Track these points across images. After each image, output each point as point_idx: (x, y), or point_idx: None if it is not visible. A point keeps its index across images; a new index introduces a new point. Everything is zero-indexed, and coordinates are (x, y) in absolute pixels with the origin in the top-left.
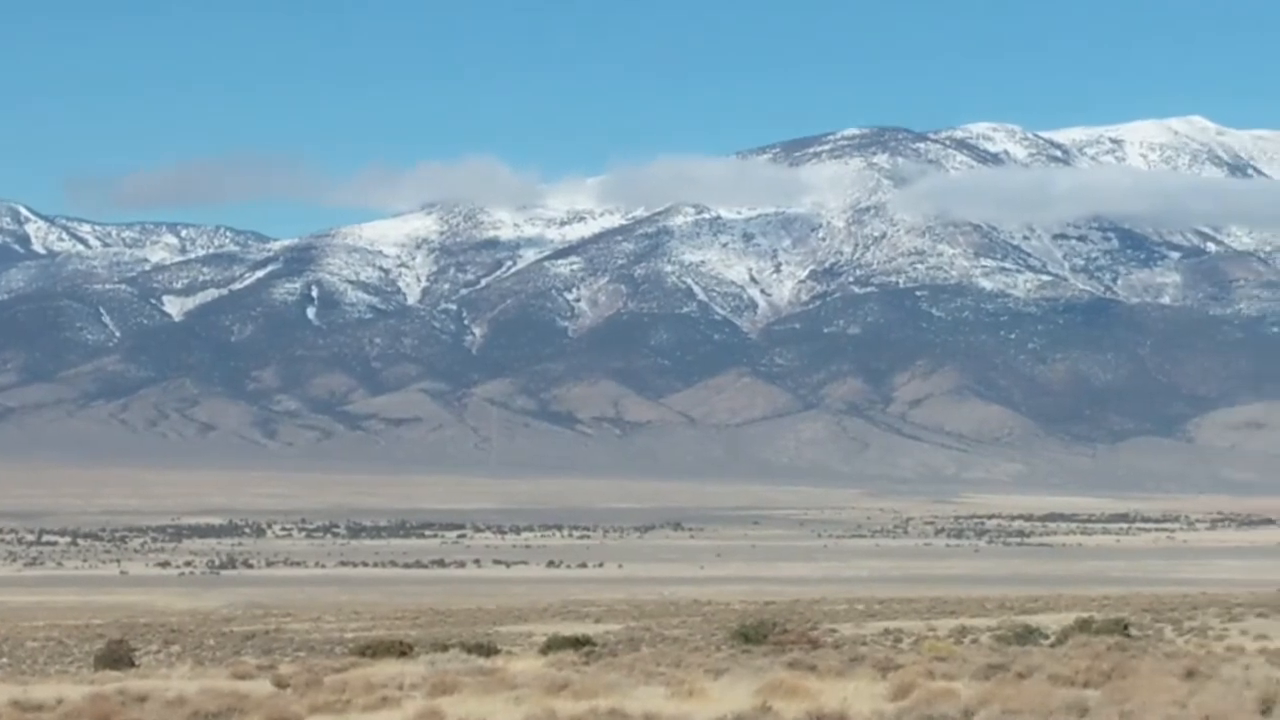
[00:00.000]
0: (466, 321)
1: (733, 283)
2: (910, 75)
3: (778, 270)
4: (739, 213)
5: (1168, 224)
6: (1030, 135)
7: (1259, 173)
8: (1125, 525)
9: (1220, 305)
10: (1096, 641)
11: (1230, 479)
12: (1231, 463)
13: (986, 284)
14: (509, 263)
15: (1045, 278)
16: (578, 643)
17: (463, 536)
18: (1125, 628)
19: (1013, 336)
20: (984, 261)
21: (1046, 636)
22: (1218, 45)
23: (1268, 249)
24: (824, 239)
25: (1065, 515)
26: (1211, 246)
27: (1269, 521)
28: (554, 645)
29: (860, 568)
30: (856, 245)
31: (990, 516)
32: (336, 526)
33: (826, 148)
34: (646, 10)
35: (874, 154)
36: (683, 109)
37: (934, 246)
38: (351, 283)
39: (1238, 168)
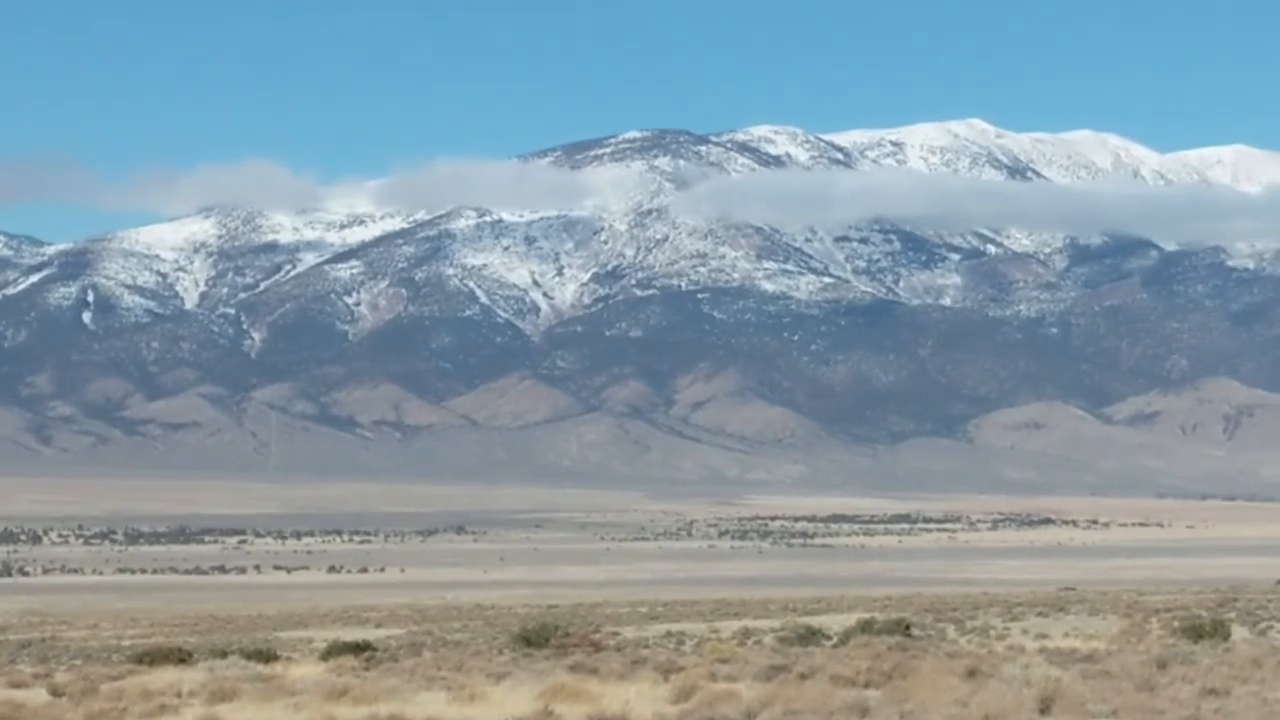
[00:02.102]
0: (245, 325)
1: (515, 286)
2: (691, 78)
3: (560, 273)
4: (521, 216)
5: (948, 226)
6: (811, 138)
7: (1038, 175)
8: (907, 526)
9: (1000, 306)
10: (878, 642)
11: (1010, 479)
12: (1011, 463)
13: (769, 286)
14: (288, 266)
15: (827, 280)
16: (358, 648)
17: (243, 542)
18: (907, 628)
19: (795, 338)
20: (766, 264)
21: (829, 637)
22: (997, 50)
23: (1046, 251)
24: (606, 242)
25: (848, 516)
26: (991, 248)
27: (1048, 521)
28: (334, 651)
29: (643, 570)
30: (639, 248)
31: (773, 518)
32: (114, 533)
33: (608, 151)
34: (425, 13)
35: (655, 157)
36: (463, 111)
37: (716, 249)
38: (128, 287)
39: (1017, 170)
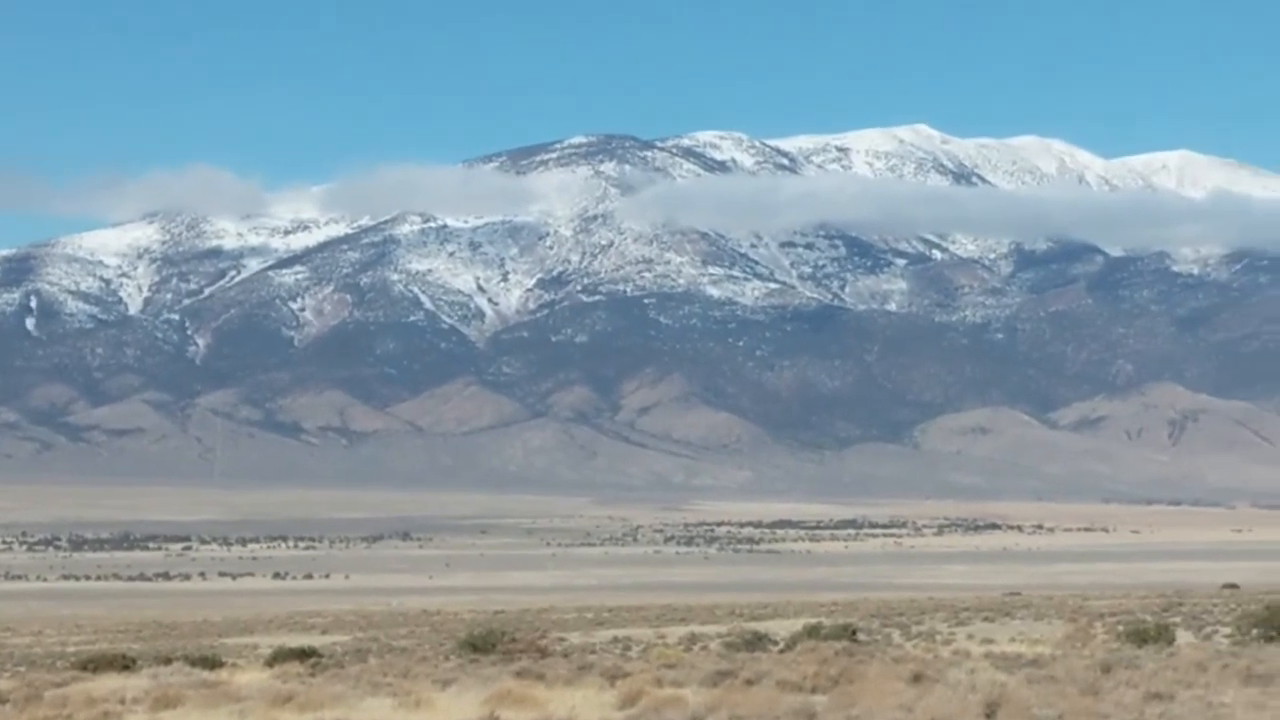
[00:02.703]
0: (190, 331)
1: (460, 291)
2: (637, 84)
3: (505, 279)
4: (466, 221)
5: (894, 231)
6: (757, 143)
7: (983, 180)
8: (854, 531)
9: (945, 312)
10: (824, 647)
11: (956, 484)
12: (957, 468)
13: (714, 292)
14: (233, 272)
15: (773, 285)
16: (304, 654)
17: (187, 549)
18: (853, 633)
19: (740, 344)
20: (712, 269)
21: (775, 643)
22: (942, 55)
23: (991, 256)
24: (552, 247)
25: (794, 522)
26: (937, 254)
27: (994, 526)
28: (279, 657)
29: (590, 576)
30: (584, 254)
31: (719, 523)
32: (58, 539)
33: (554, 156)
34: (370, 17)
35: (601, 162)
36: (408, 117)
37: (662, 255)
38: (72, 293)
39: (962, 176)
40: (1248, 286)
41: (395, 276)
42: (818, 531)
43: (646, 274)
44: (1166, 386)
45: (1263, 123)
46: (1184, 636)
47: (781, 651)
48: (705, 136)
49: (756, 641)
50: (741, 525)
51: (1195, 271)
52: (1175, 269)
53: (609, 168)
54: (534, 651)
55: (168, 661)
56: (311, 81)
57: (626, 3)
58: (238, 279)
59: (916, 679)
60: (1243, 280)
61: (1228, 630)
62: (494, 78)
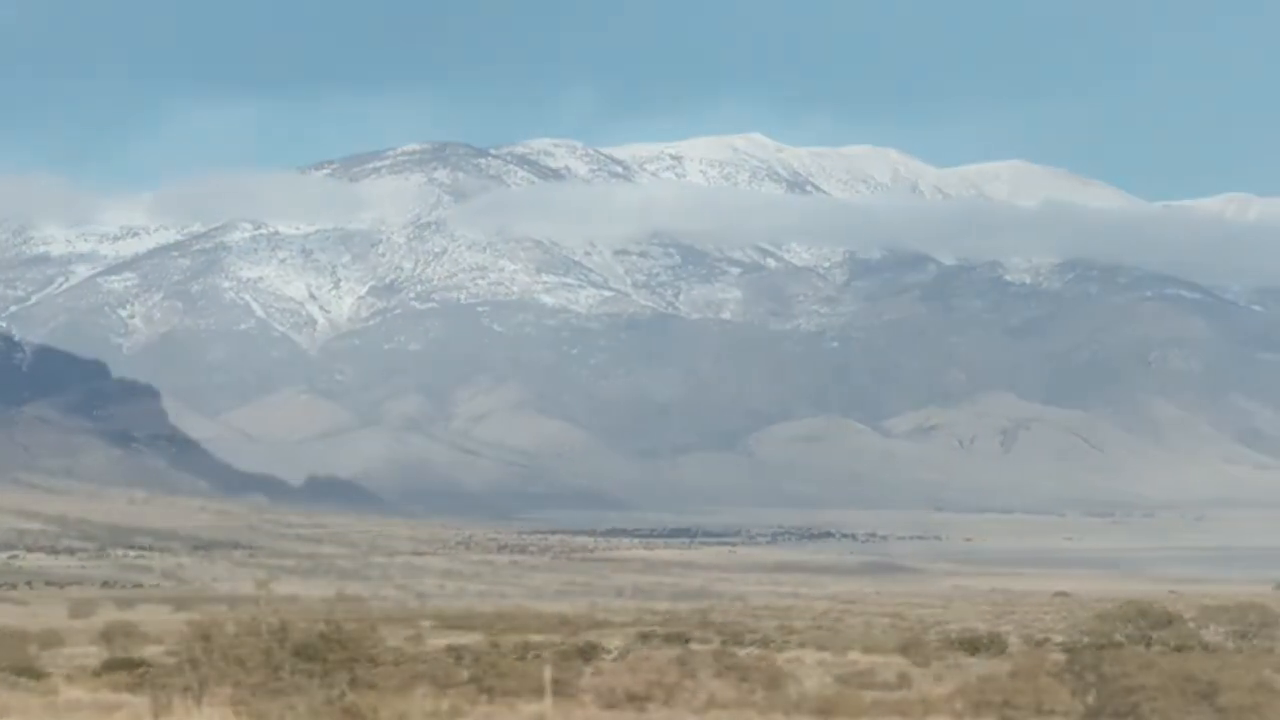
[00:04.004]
0: (16, 339)
1: (291, 299)
2: (471, 91)
3: (337, 286)
4: (297, 228)
5: (728, 240)
6: (591, 151)
7: (817, 189)
8: (687, 540)
9: (780, 320)
10: (658, 655)
11: (791, 493)
12: (791, 477)
13: (548, 300)
14: (60, 279)
15: (607, 293)
16: (132, 664)
17: (14, 558)
18: (686, 641)
19: (575, 352)
20: (545, 277)
21: (609, 651)
22: (776, 63)
23: (826, 265)
24: (384, 255)
25: (628, 530)
26: (771, 262)
27: (828, 535)
28: (108, 667)
29: (422, 584)
30: (417, 261)
31: (553, 532)
32: None
33: (386, 163)
34: (197, 20)
35: (434, 169)
36: (238, 123)
37: (495, 262)
38: None
39: (796, 184)
40: (1079, 296)
41: (226, 284)
42: (652, 540)
43: (480, 281)
44: (998, 395)
45: (1094, 134)
46: (1015, 644)
47: (614, 660)
48: (539, 144)
49: (589, 650)
50: (575, 534)
51: (1027, 281)
52: (1007, 278)
53: (442, 175)
54: (364, 660)
55: None
56: (141, 86)
57: (458, 8)
58: (65, 286)
59: (750, 685)
60: (1074, 290)
61: (1059, 638)
62: (325, 84)
